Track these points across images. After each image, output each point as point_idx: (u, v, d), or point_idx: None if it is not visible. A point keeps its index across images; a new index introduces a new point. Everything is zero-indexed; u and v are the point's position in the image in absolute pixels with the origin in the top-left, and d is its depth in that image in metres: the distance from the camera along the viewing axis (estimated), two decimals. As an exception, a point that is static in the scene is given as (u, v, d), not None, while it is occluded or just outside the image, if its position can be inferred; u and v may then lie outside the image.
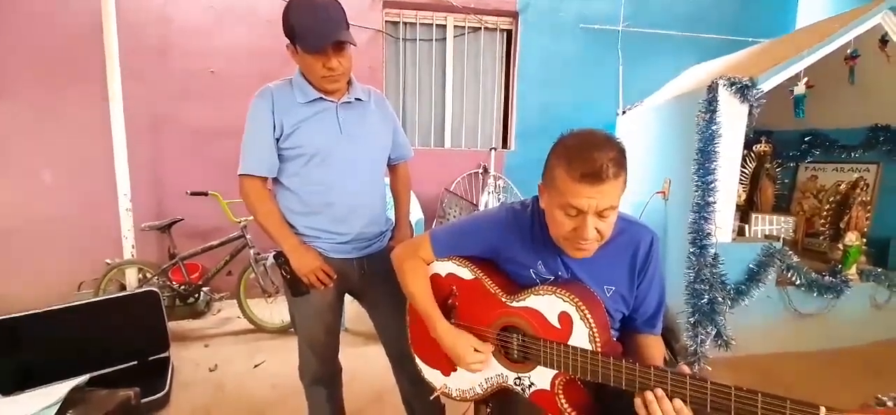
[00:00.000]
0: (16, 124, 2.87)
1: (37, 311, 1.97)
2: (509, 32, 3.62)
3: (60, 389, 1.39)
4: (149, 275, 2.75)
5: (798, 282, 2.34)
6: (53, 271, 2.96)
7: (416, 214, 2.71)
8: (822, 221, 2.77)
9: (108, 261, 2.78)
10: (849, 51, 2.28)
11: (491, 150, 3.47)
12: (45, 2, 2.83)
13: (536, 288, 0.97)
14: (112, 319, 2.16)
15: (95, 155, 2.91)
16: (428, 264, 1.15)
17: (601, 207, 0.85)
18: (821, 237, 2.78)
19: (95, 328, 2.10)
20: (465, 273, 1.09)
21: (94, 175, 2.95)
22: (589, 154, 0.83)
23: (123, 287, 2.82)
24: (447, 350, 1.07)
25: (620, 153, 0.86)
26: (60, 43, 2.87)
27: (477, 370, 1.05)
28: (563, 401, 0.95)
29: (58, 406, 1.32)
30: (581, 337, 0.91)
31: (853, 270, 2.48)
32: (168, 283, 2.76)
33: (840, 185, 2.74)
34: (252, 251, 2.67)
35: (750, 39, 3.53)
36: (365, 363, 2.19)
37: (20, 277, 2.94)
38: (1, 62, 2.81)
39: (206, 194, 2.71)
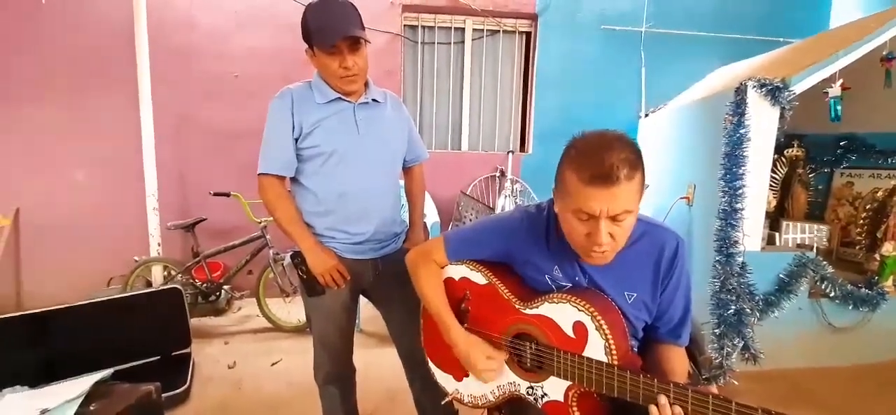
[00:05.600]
0: (51, 126, 3.01)
1: (64, 305, 2.05)
2: (528, 35, 3.59)
3: (85, 382, 1.43)
4: (173, 272, 2.83)
5: (832, 294, 2.22)
6: (85, 267, 3.07)
7: (432, 216, 2.71)
8: (858, 229, 2.63)
9: (136, 258, 2.88)
10: (884, 52, 2.16)
11: (508, 153, 3.44)
12: (78, 9, 2.96)
13: (551, 295, 0.95)
14: (137, 314, 2.23)
15: (125, 156, 3.02)
16: (442, 268, 1.13)
17: (614, 211, 0.81)
18: (857, 247, 2.64)
19: (120, 323, 2.17)
20: (479, 278, 1.07)
21: (123, 175, 3.06)
22: (599, 156, 0.79)
23: (150, 284, 2.91)
24: (460, 356, 1.05)
25: (634, 154, 0.81)
26: (93, 49, 2.99)
27: (489, 379, 1.03)
28: (578, 414, 0.92)
29: (82, 399, 1.36)
30: (596, 348, 0.88)
31: (890, 281, 2.34)
32: (191, 280, 2.83)
33: (877, 192, 2.60)
34: (271, 251, 2.72)
35: (780, 40, 3.39)
36: (378, 365, 2.20)
37: (54, 272, 3.06)
38: (38, 67, 2.95)
39: (228, 195, 2.78)
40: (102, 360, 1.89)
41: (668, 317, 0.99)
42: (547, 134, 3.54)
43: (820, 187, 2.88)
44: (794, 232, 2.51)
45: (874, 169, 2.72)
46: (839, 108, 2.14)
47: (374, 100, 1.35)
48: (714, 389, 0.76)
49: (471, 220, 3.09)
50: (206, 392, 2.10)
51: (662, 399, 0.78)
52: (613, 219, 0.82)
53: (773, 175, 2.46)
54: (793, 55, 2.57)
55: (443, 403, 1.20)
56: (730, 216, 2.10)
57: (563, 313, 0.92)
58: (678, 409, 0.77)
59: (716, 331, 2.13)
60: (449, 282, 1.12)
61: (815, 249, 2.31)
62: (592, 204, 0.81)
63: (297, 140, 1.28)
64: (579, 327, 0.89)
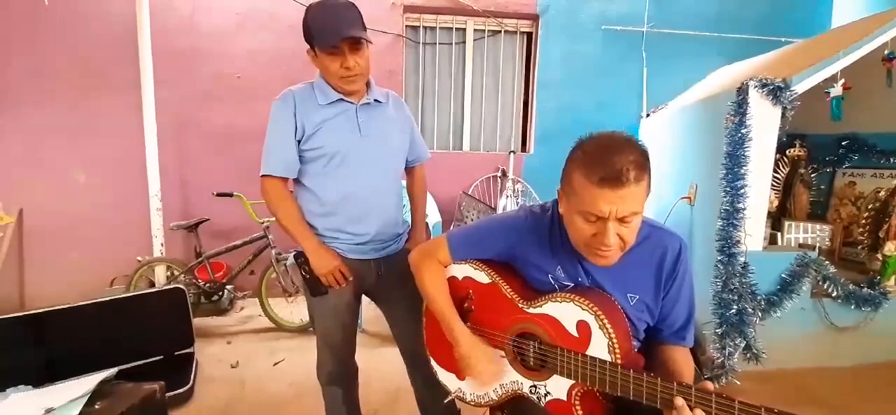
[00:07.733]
0: (54, 127, 3.02)
1: (67, 306, 2.05)
2: (529, 35, 3.59)
3: (89, 381, 1.44)
4: (176, 272, 2.84)
5: (834, 294, 2.22)
6: (88, 268, 3.08)
7: (433, 216, 2.71)
8: (861, 229, 2.63)
9: (139, 258, 2.88)
10: (886, 52, 2.16)
11: (510, 153, 3.44)
12: (82, 11, 2.97)
13: (554, 295, 0.95)
14: (140, 314, 2.24)
15: (128, 156, 3.03)
16: (445, 267, 1.14)
17: (622, 212, 0.81)
18: (859, 247, 2.63)
19: (124, 323, 2.18)
20: (482, 277, 1.07)
21: (126, 176, 3.07)
22: (608, 158, 0.80)
23: (153, 284, 2.92)
24: (461, 356, 1.06)
25: (642, 156, 0.82)
26: (96, 50, 3.00)
27: (486, 383, 1.03)
28: (580, 413, 0.92)
29: (86, 398, 1.37)
30: (600, 347, 0.88)
31: (892, 281, 2.34)
32: (194, 280, 2.84)
33: (879, 191, 2.60)
34: (273, 251, 2.72)
35: (781, 40, 3.39)
36: (381, 364, 2.20)
37: (57, 273, 3.07)
38: (40, 69, 2.96)
39: (231, 195, 2.79)
40: (106, 360, 1.90)
41: (672, 320, 0.99)
42: (548, 134, 3.54)
43: (822, 187, 2.88)
44: (796, 232, 2.51)
45: (876, 169, 2.72)
46: (840, 107, 2.14)
47: (376, 100, 1.36)
48: (711, 386, 0.76)
49: (473, 220, 3.09)
50: (209, 392, 2.10)
51: (680, 401, 0.76)
52: (621, 220, 0.83)
53: (775, 175, 2.46)
54: (794, 55, 2.57)
55: (445, 402, 1.20)
56: (731, 216, 2.10)
57: (566, 312, 0.92)
58: (699, 411, 0.76)
59: (718, 331, 2.13)
60: (452, 281, 1.13)
61: (817, 249, 2.31)
62: (602, 206, 0.81)
63: (299, 142, 1.29)
64: (583, 326, 0.90)
